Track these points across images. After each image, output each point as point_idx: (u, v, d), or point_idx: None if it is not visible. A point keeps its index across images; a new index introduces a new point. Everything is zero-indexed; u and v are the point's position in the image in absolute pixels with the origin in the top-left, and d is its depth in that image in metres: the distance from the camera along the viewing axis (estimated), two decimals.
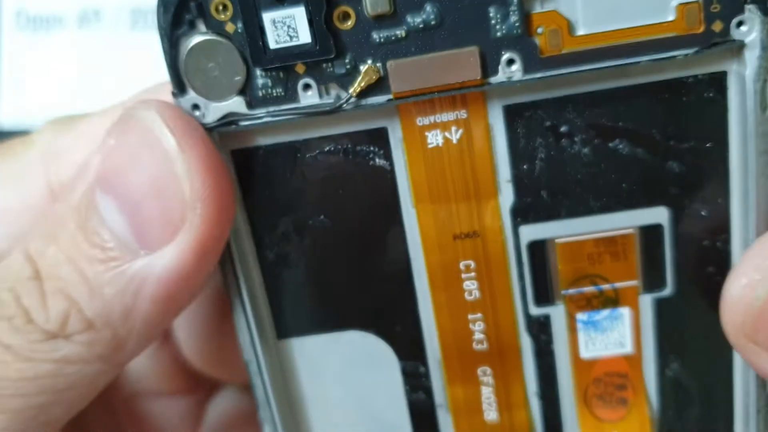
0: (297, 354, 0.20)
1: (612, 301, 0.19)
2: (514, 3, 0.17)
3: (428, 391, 0.20)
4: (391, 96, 0.17)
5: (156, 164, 0.17)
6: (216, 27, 0.17)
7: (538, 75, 0.17)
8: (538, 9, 0.17)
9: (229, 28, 0.17)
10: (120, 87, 0.38)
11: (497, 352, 0.20)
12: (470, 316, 0.19)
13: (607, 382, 0.20)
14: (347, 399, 0.20)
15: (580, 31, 0.17)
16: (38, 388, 0.18)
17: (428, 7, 0.17)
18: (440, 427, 0.21)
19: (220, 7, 0.17)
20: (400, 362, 0.20)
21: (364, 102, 0.17)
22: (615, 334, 0.19)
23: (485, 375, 0.20)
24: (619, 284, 0.19)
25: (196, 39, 0.17)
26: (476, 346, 0.20)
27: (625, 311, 0.19)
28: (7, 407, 0.18)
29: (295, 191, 0.19)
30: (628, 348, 0.20)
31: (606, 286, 0.19)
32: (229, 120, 0.18)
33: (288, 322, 0.20)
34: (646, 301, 0.19)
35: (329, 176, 0.19)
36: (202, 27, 0.17)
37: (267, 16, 0.17)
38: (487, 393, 0.20)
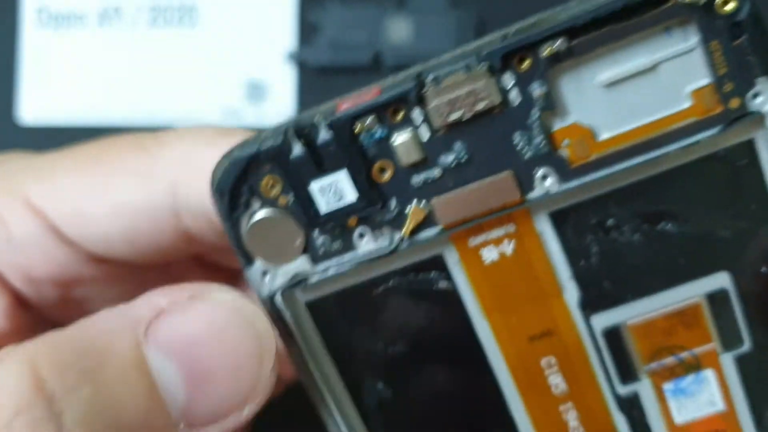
0: None
1: (694, 366, 0.20)
2: (535, 126, 0.17)
3: None
4: (440, 228, 0.18)
5: (244, 346, 0.17)
6: (269, 202, 0.18)
7: (573, 184, 0.18)
8: (558, 125, 0.18)
9: (282, 201, 0.18)
10: (140, 83, 0.38)
11: None
12: (561, 407, 0.20)
13: None
14: None
15: (604, 136, 0.18)
16: None
17: (457, 146, 0.18)
18: None
19: (270, 184, 0.18)
20: None
21: (416, 238, 0.18)
22: (704, 396, 0.20)
23: None
24: (697, 350, 0.20)
25: (253, 217, 0.18)
26: None
27: (708, 373, 0.20)
28: None
29: (369, 327, 0.20)
30: (720, 406, 0.20)
31: (685, 354, 0.20)
32: (297, 279, 0.19)
33: None
34: (728, 360, 0.20)
35: (399, 307, 0.20)
36: (257, 205, 0.18)
37: (314, 186, 0.18)
38: None
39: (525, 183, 0.18)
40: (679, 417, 0.20)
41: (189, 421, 0.17)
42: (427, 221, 0.18)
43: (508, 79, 0.17)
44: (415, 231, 0.18)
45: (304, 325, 0.20)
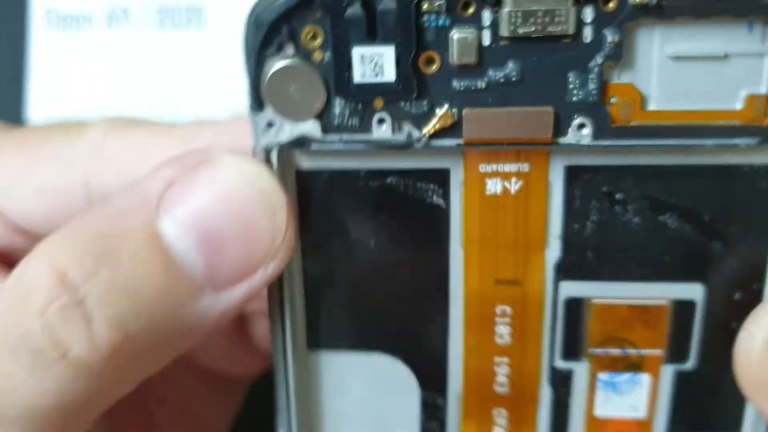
0: (323, 367, 0.21)
1: (635, 365, 0.20)
2: (594, 71, 0.17)
3: (443, 424, 0.21)
4: (461, 141, 0.18)
5: (252, 207, 0.18)
6: (304, 53, 0.17)
7: (606, 142, 0.17)
8: (615, 80, 0.17)
9: (317, 56, 0.17)
10: (148, 85, 0.38)
11: (516, 397, 0.20)
12: (497, 359, 0.20)
13: None
14: (364, 419, 0.21)
15: (652, 107, 0.17)
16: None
17: (511, 64, 0.17)
18: None
19: (311, 35, 0.17)
20: (422, 392, 0.21)
21: (434, 143, 0.18)
22: (631, 398, 0.20)
23: (500, 416, 0.21)
24: (645, 351, 0.20)
25: (283, 62, 0.17)
26: (497, 388, 0.20)
27: (645, 378, 0.20)
28: None
29: (350, 216, 0.19)
30: (642, 413, 0.20)
31: (632, 351, 0.20)
32: (301, 142, 0.18)
33: (321, 334, 0.20)
34: (667, 371, 0.20)
35: (386, 206, 0.19)
36: (290, 51, 0.17)
37: (357, 51, 0.17)
38: None
39: (561, 125, 0.17)
40: (600, 410, 0.20)
41: (214, 285, 0.18)
42: (451, 129, 0.18)
43: (589, 14, 0.17)
44: (436, 135, 0.18)
45: (286, 190, 0.19)
